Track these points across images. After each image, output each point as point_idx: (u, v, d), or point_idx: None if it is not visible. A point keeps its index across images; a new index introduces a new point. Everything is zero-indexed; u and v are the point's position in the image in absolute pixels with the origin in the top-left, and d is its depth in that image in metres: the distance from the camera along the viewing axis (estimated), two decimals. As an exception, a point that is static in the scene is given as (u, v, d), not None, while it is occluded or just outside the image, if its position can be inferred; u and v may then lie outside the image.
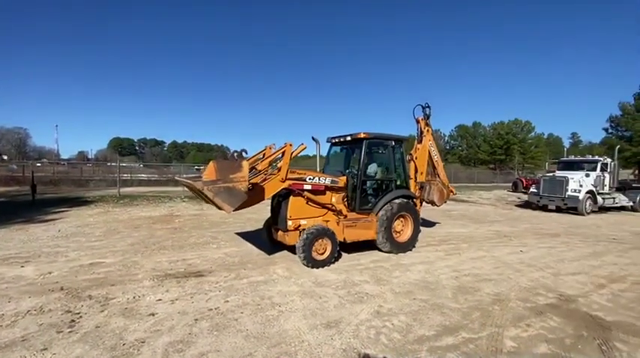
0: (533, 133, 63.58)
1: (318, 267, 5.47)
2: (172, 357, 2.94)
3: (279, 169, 5.44)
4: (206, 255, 6.28)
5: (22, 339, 3.20)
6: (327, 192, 6.09)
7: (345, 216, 6.11)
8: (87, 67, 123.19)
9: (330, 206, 6.00)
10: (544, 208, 14.68)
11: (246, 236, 7.91)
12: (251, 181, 5.09)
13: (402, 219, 6.71)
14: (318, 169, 6.69)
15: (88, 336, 3.27)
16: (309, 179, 5.80)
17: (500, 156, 62.13)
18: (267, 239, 6.70)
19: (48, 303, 4.02)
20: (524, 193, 21.49)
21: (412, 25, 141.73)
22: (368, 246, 6.55)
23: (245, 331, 3.43)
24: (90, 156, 71.55)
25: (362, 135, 6.29)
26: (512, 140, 60.93)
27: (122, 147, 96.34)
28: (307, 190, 5.74)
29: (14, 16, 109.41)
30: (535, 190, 15.13)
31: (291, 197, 5.69)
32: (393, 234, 6.49)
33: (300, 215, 5.76)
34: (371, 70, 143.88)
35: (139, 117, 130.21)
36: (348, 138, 6.64)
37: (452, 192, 8.82)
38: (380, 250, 6.50)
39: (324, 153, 7.72)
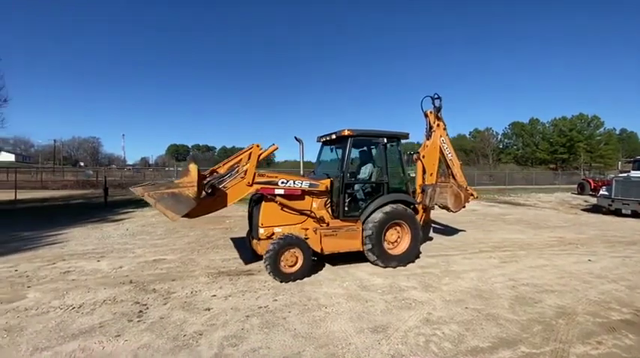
0: (602, 129, 57.16)
1: (286, 281, 4.95)
2: (227, 350, 3.13)
3: (246, 172, 5.06)
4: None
5: (100, 325, 3.62)
6: (306, 197, 5.47)
7: (328, 224, 5.51)
8: (147, 78, 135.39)
9: (309, 212, 5.45)
10: (617, 213, 13.07)
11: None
12: (223, 186, 4.95)
13: (396, 228, 5.90)
14: (301, 172, 6.01)
15: (154, 326, 3.61)
16: (282, 183, 5.26)
17: (562, 154, 56.66)
18: (249, 247, 6.15)
19: (120, 294, 4.50)
20: (593, 196, 19.34)
21: (462, 16, 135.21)
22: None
23: (293, 330, 3.53)
24: (151, 162, 78.74)
25: (346, 133, 5.61)
26: (577, 137, 55.25)
27: (178, 153, 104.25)
28: (280, 195, 5.23)
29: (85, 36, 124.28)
30: (606, 193, 13.54)
31: (263, 202, 5.27)
32: (386, 246, 5.74)
33: (274, 222, 5.28)
34: (416, 63, 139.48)
35: (193, 124, 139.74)
36: (333, 137, 6.02)
37: (472, 195, 7.72)
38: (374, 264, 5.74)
39: (314, 155, 7.15)
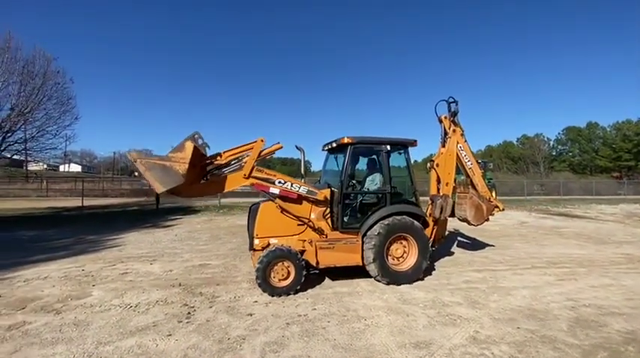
0: (677, 132, 50.62)
1: (276, 295, 4.75)
2: (268, 356, 3.21)
3: (245, 163, 4.99)
4: (294, 263, 6.65)
5: (154, 324, 3.88)
6: (305, 205, 5.28)
7: (326, 236, 5.26)
8: (193, 94, 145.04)
9: (307, 221, 5.23)
10: (700, 228, 11.46)
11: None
12: (222, 172, 5.03)
13: (402, 242, 5.54)
14: (302, 181, 5.66)
15: (201, 328, 3.80)
16: (279, 182, 5.06)
17: (628, 161, 50.96)
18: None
19: (170, 296, 4.80)
20: (668, 208, 17.13)
21: (507, 13, 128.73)
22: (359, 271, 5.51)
23: (333, 340, 3.53)
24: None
25: (345, 140, 5.44)
26: (646, 142, 49.45)
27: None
28: (275, 195, 5.04)
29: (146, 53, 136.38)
30: (684, 205, 11.96)
31: (261, 208, 5.17)
32: (390, 261, 5.42)
33: (271, 232, 5.12)
34: (456, 64, 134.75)
35: (234, 135, 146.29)
36: (334, 145, 5.86)
37: (497, 207, 6.83)
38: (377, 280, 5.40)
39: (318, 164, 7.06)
